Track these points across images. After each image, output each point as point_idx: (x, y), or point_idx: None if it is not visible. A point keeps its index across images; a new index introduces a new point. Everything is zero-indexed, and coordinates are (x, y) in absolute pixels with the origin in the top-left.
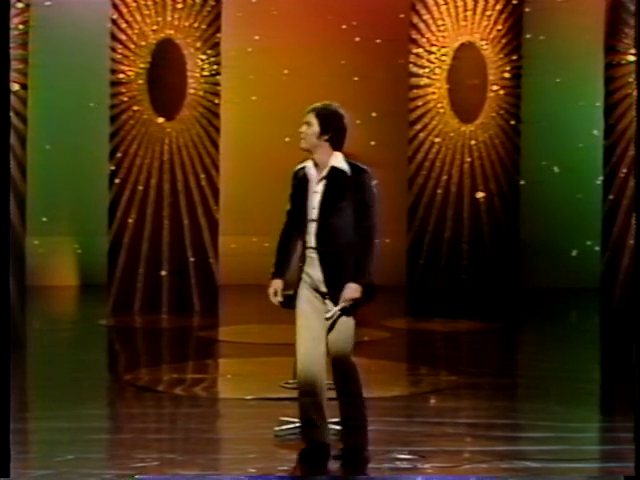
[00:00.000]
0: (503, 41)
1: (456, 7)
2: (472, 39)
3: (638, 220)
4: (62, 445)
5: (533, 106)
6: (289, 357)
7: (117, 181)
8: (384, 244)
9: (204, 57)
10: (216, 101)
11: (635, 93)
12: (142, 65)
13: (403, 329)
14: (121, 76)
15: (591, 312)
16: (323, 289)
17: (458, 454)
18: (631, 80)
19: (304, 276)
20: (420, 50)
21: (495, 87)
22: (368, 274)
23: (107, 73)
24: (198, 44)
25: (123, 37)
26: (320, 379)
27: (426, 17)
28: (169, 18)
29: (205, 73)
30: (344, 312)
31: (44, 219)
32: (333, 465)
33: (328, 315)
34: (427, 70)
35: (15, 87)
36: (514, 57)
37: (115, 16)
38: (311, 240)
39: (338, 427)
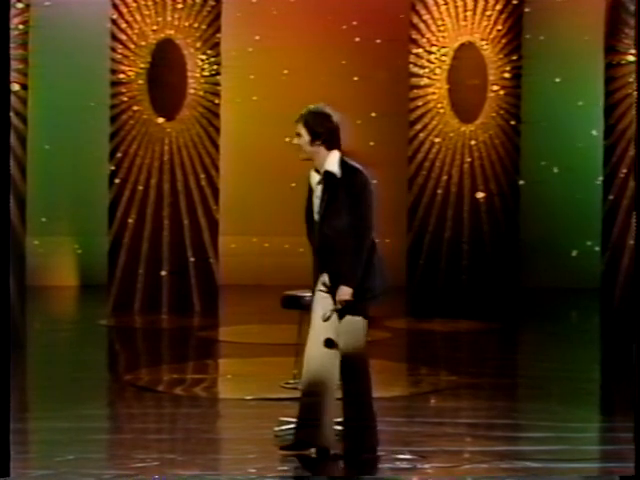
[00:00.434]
0: (503, 41)
1: (456, 7)
2: (472, 39)
3: (638, 220)
4: (62, 445)
5: (533, 106)
6: (289, 357)
7: (117, 181)
8: (384, 244)
9: (204, 57)
10: (216, 101)
11: (635, 93)
12: (142, 65)
13: (403, 329)
14: (121, 76)
15: (591, 312)
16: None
17: (458, 454)
18: (631, 80)
19: (318, 279)
20: (420, 50)
21: (495, 87)
22: (357, 276)
23: (107, 73)
24: (198, 44)
25: (123, 37)
26: (327, 379)
27: (426, 17)
28: (169, 18)
29: (205, 73)
30: (343, 313)
31: (44, 219)
32: (334, 467)
33: (323, 316)
34: (427, 70)
35: (15, 87)
36: (514, 57)
37: (115, 16)
38: (315, 243)
39: (340, 428)
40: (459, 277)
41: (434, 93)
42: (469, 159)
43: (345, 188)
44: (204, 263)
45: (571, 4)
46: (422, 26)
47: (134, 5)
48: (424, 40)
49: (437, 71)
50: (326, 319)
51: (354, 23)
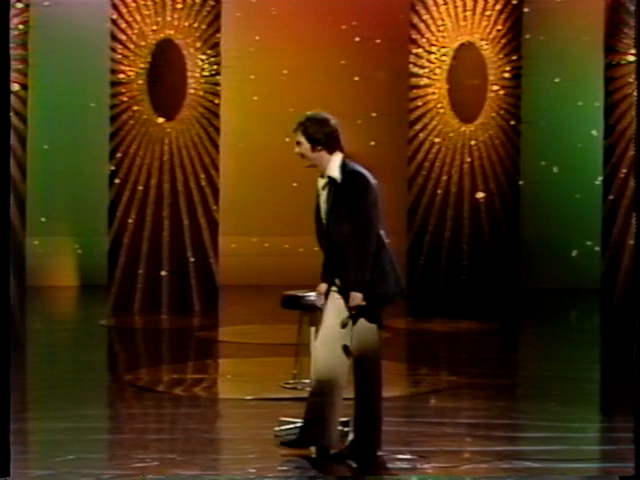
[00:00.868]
0: (503, 41)
1: (456, 7)
2: (472, 39)
3: (638, 220)
4: (62, 445)
5: (533, 106)
6: (289, 357)
7: (117, 181)
8: None
9: (204, 57)
10: (216, 101)
11: (635, 93)
12: (142, 65)
13: (403, 329)
14: (121, 76)
15: (591, 312)
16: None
17: (458, 454)
18: (631, 80)
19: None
20: (420, 50)
21: (495, 87)
22: (364, 281)
23: (107, 73)
24: (198, 44)
25: (123, 37)
26: (335, 380)
27: (426, 17)
28: (169, 18)
29: (205, 73)
30: (357, 316)
31: (44, 219)
32: (335, 466)
33: (341, 323)
34: (427, 70)
35: (15, 87)
36: (514, 57)
37: (115, 16)
38: (324, 246)
39: (345, 428)
40: (459, 277)
41: (434, 93)
42: (469, 159)
43: (346, 193)
44: (204, 263)
45: (571, 4)
46: (422, 26)
47: (134, 5)
48: (424, 40)
49: (437, 71)
50: (344, 326)
51: (354, 23)
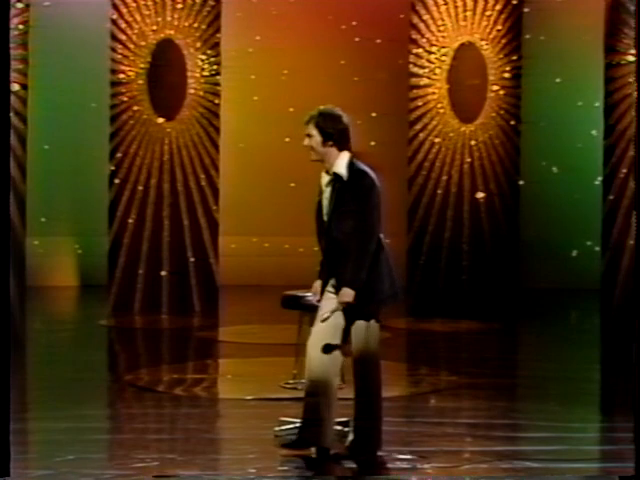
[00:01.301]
0: (503, 41)
1: (456, 7)
2: (472, 39)
3: (638, 220)
4: (62, 445)
5: (533, 106)
6: (289, 357)
7: (117, 181)
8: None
9: (204, 57)
10: (216, 101)
11: (635, 93)
12: (142, 65)
13: (403, 329)
14: (121, 76)
15: (591, 312)
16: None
17: (458, 454)
18: (631, 80)
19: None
20: (420, 50)
21: (495, 87)
22: (360, 279)
23: (107, 73)
24: (198, 44)
25: (123, 37)
26: (328, 380)
27: (426, 17)
28: (169, 18)
29: (205, 73)
30: (352, 316)
31: (44, 219)
32: (335, 466)
33: (320, 316)
34: (427, 70)
35: (15, 87)
36: (514, 57)
37: (115, 16)
38: (324, 244)
39: (345, 428)
40: (459, 277)
41: (434, 93)
42: (469, 159)
43: (351, 191)
44: (204, 263)
45: (571, 4)
46: (422, 26)
47: (134, 5)
48: (424, 40)
49: (437, 71)
50: (324, 320)
51: (354, 23)
